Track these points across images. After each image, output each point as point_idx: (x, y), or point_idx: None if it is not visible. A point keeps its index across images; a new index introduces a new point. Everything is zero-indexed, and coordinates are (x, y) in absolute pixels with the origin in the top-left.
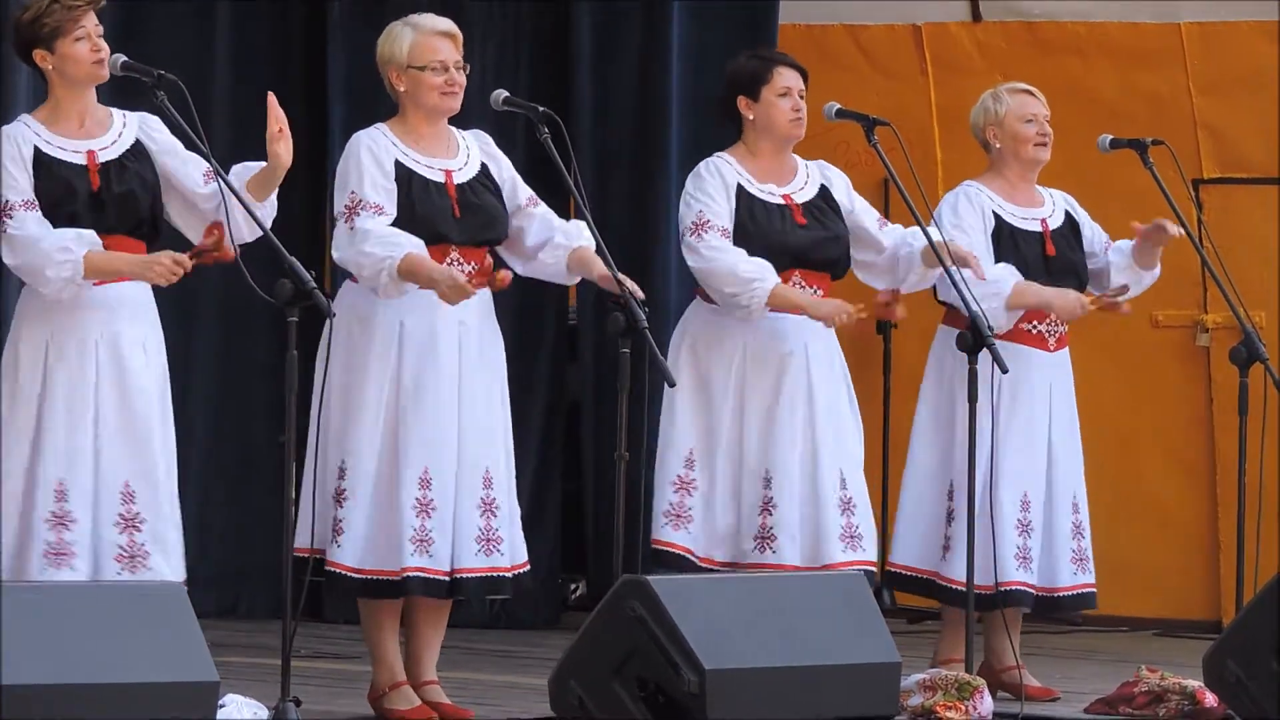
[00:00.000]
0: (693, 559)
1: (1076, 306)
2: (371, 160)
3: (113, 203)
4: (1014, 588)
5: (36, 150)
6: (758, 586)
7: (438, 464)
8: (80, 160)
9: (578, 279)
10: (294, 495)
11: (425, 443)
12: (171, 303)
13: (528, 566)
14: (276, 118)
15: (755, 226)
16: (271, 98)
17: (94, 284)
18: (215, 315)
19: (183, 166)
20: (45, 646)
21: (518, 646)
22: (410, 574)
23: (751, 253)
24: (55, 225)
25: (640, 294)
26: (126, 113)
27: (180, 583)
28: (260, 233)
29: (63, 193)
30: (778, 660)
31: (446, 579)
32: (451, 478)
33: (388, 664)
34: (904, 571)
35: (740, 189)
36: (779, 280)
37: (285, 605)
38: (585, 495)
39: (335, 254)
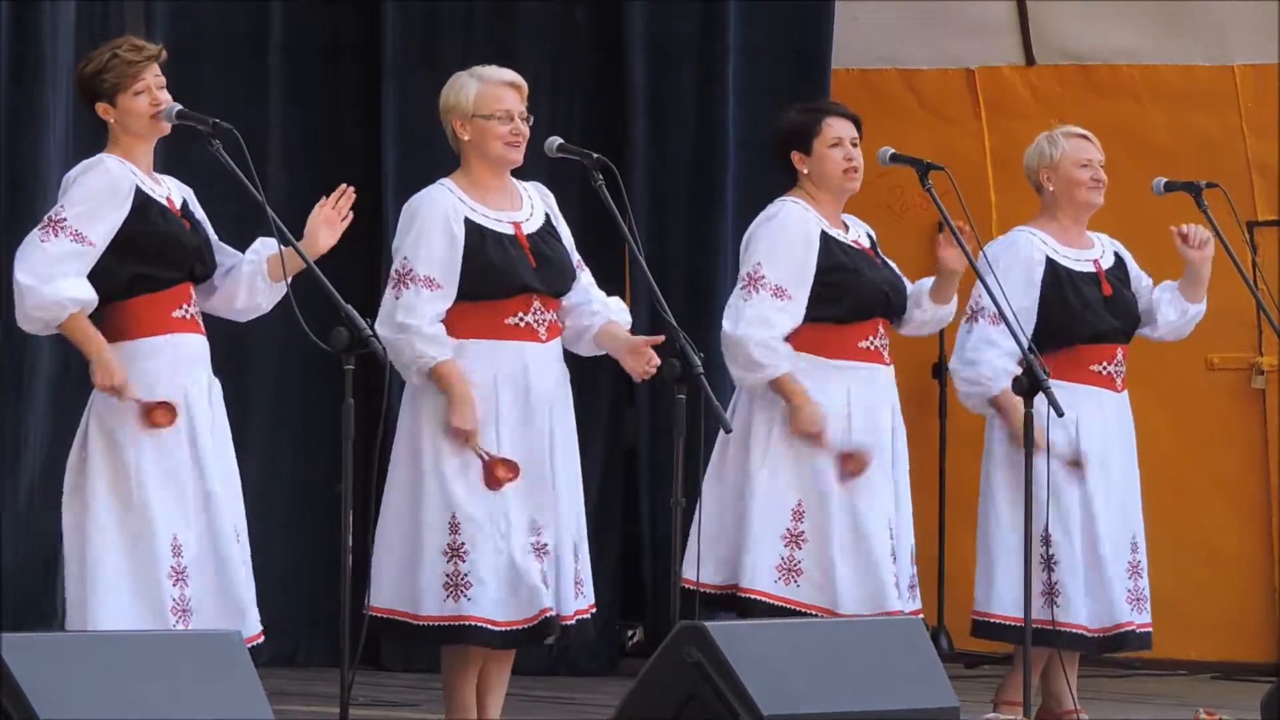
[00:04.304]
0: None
1: (1015, 436)
2: (438, 225)
3: (205, 250)
4: (1129, 629)
5: (137, 189)
6: (815, 632)
7: (543, 510)
8: (165, 204)
9: (597, 353)
10: (350, 543)
11: (530, 492)
12: (226, 351)
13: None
14: (334, 202)
15: (855, 266)
16: (347, 189)
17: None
18: (270, 363)
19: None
20: (101, 695)
21: (575, 692)
22: (548, 616)
23: (851, 294)
24: (164, 267)
25: (654, 365)
26: (164, 175)
27: (238, 632)
28: (270, 305)
29: (173, 239)
30: (836, 705)
31: (569, 622)
32: (554, 523)
33: (463, 708)
34: (1004, 621)
35: (824, 234)
36: (786, 371)
37: (343, 654)
38: (642, 541)
39: (378, 325)
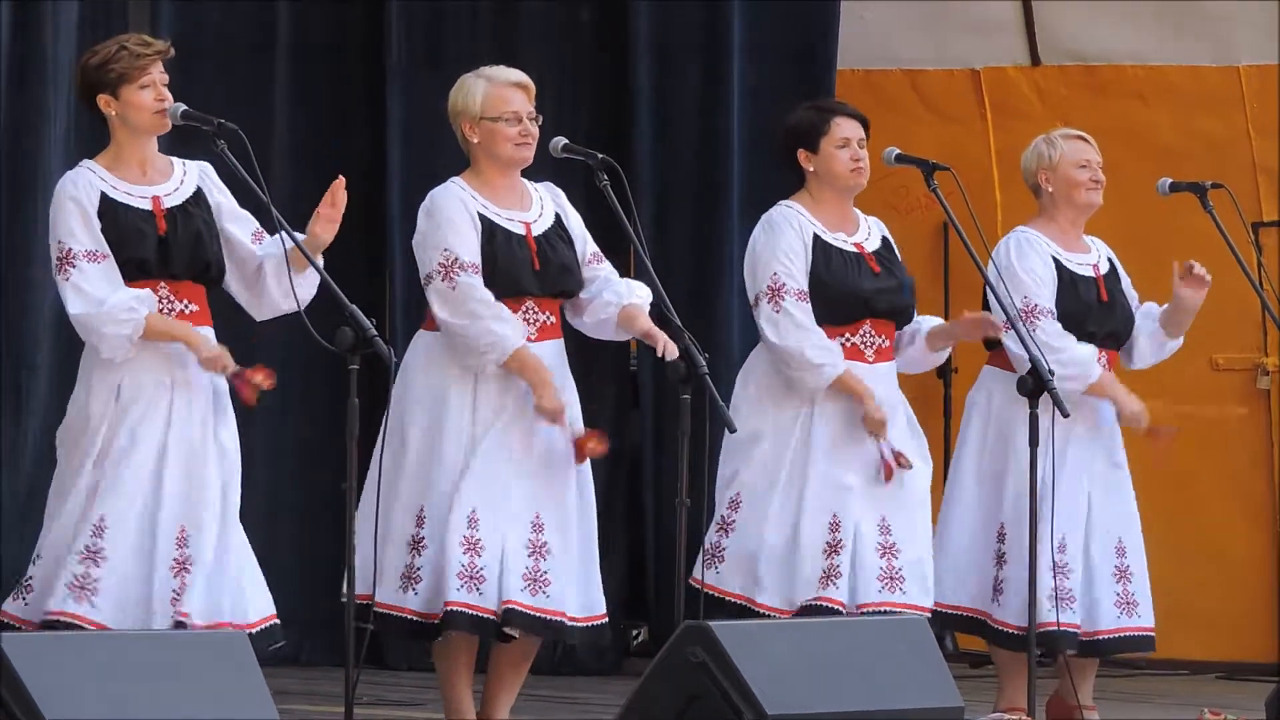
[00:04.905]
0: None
1: (1140, 415)
2: (463, 216)
3: (179, 248)
4: (1050, 629)
5: (102, 195)
6: (820, 631)
7: (486, 504)
8: (146, 205)
9: (626, 337)
10: (355, 542)
11: (478, 482)
12: (231, 349)
13: (605, 619)
14: (332, 200)
15: (831, 276)
16: (339, 180)
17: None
18: (275, 362)
19: (235, 224)
20: (107, 695)
21: (580, 692)
22: (454, 608)
23: (827, 302)
24: (124, 271)
25: (674, 353)
26: (187, 161)
27: (243, 632)
28: (301, 305)
29: (131, 238)
30: (840, 705)
31: (494, 618)
32: (505, 519)
33: (458, 705)
34: (953, 611)
35: (816, 238)
36: (845, 367)
37: (348, 653)
38: (647, 541)
39: (434, 309)
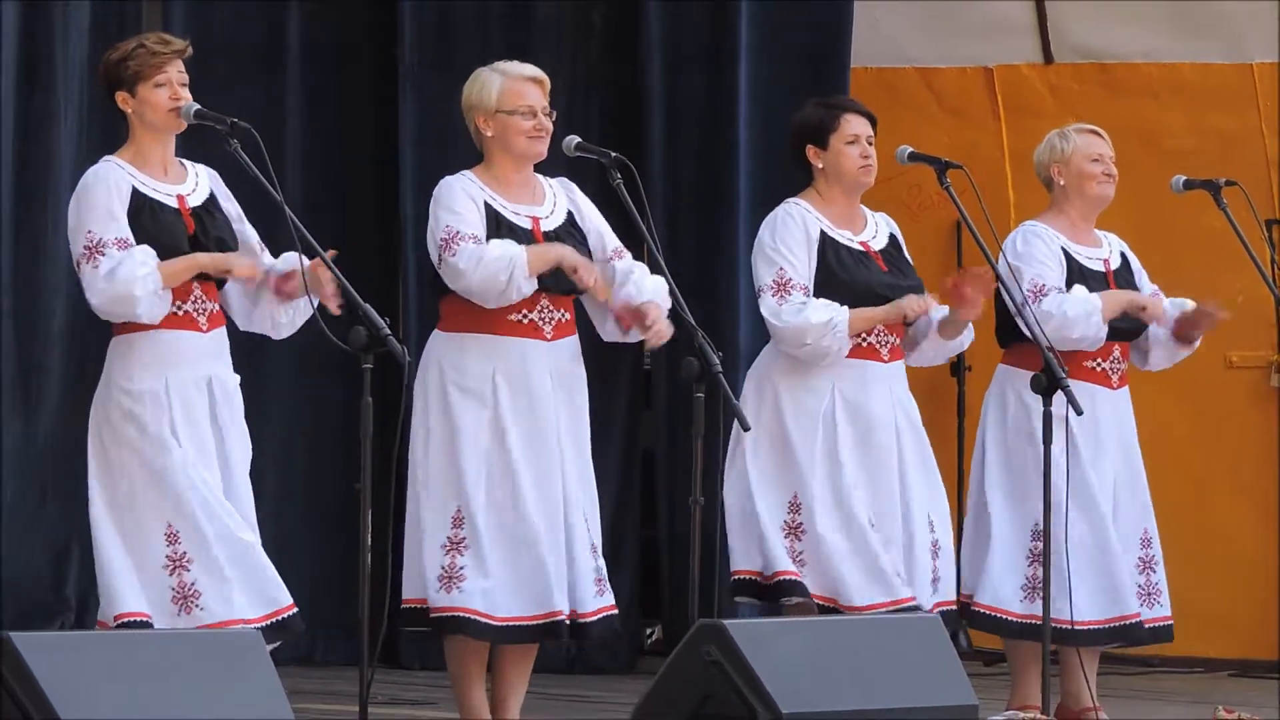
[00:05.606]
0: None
1: (1161, 309)
2: (466, 200)
3: (209, 247)
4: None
5: (134, 190)
6: (834, 630)
7: (551, 509)
8: (173, 203)
9: (636, 339)
10: (369, 541)
11: (542, 489)
12: (244, 348)
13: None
14: (325, 280)
15: (846, 273)
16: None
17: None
18: (288, 361)
19: (246, 229)
20: (122, 695)
21: (594, 691)
22: (556, 618)
23: (841, 298)
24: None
25: (660, 332)
26: (196, 165)
27: (257, 631)
28: (290, 330)
29: (167, 235)
30: (855, 703)
31: (568, 622)
32: (562, 522)
33: (472, 706)
34: (1003, 615)
35: (823, 235)
36: (848, 311)
37: (362, 652)
38: (660, 540)
39: (454, 284)
